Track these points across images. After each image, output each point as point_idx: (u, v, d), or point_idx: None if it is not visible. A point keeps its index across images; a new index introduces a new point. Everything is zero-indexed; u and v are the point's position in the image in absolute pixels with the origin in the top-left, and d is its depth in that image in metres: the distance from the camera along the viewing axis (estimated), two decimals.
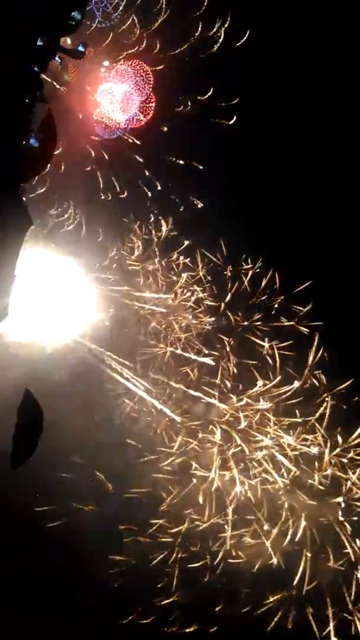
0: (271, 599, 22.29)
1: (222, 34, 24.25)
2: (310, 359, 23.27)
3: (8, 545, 20.05)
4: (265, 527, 22.58)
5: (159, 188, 24.91)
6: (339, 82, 23.93)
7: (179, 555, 22.72)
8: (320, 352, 23.10)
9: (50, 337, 22.43)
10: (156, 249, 24.40)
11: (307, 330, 23.40)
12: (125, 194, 24.89)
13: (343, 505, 22.69)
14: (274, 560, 22.30)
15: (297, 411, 23.23)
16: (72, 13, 17.20)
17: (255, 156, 24.51)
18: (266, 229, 24.22)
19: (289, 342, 23.44)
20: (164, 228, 24.52)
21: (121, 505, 22.65)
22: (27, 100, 15.66)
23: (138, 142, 25.14)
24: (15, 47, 15.45)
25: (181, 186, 24.62)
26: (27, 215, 14.71)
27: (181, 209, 24.62)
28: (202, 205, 24.62)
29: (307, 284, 23.56)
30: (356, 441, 22.79)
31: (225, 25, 24.25)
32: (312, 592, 22.12)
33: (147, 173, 25.07)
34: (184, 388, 23.41)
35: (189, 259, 24.30)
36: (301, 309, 23.56)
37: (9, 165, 14.40)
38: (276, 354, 23.42)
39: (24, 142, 15.22)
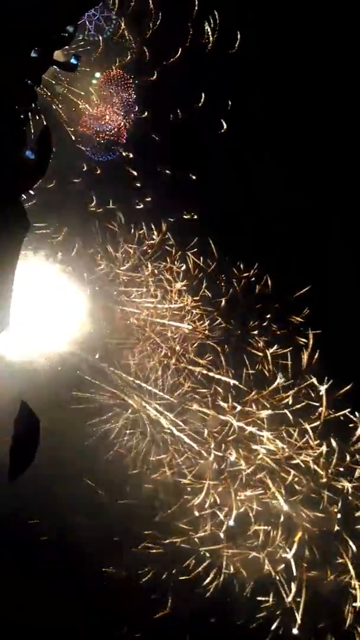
0: (267, 613, 22.27)
1: (213, 38, 24.42)
2: (304, 365, 23.34)
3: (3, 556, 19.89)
4: (262, 537, 22.53)
5: (149, 199, 24.97)
6: (336, 82, 24.04)
7: (173, 567, 22.57)
8: (316, 357, 23.20)
9: (46, 348, 22.37)
10: (148, 258, 24.44)
11: (304, 340, 23.46)
12: (117, 205, 24.92)
13: (339, 515, 22.64)
14: (271, 572, 22.24)
15: (291, 419, 23.34)
16: (66, 26, 17.33)
17: (252, 160, 24.57)
18: (262, 234, 24.23)
19: (288, 349, 23.51)
20: (155, 235, 24.56)
21: (116, 517, 22.50)
22: (22, 115, 15.70)
23: (130, 155, 25.22)
24: (9, 59, 15.52)
25: (174, 195, 24.67)
26: (25, 219, 14.66)
27: (173, 219, 24.67)
28: (195, 216, 24.68)
29: (306, 289, 23.67)
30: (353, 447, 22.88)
31: (216, 30, 24.42)
32: (311, 604, 22.05)
33: (138, 185, 25.15)
34: (179, 398, 23.37)
35: (183, 267, 24.34)
36: (298, 319, 23.63)
37: (7, 173, 14.36)
38: (269, 359, 23.43)
39: (19, 155, 15.22)
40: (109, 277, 24.12)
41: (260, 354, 23.77)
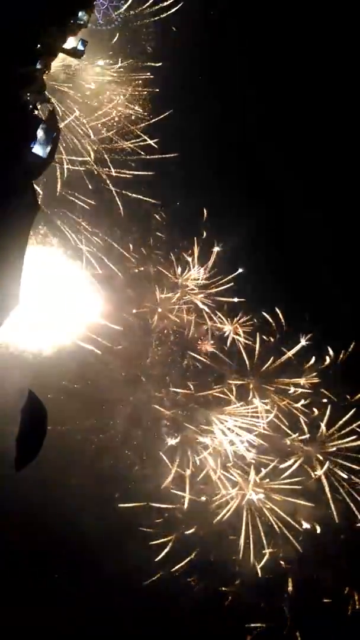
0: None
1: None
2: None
3: (9, 549, 19.76)
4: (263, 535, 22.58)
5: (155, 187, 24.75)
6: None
7: (173, 563, 22.57)
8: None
9: (54, 339, 22.18)
10: (159, 252, 24.37)
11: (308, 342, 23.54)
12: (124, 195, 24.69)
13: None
14: (269, 570, 22.36)
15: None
16: (79, 14, 17.15)
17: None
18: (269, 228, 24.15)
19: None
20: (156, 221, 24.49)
21: (122, 511, 22.41)
22: (30, 105, 15.58)
23: (129, 145, 24.96)
24: (19, 47, 15.36)
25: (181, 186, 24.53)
26: (35, 201, 14.59)
27: (179, 203, 24.49)
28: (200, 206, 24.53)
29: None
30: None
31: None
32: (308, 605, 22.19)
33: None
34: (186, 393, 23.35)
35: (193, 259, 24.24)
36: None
37: (18, 163, 14.25)
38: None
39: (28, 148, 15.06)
40: (120, 270, 23.92)
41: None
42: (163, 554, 22.33)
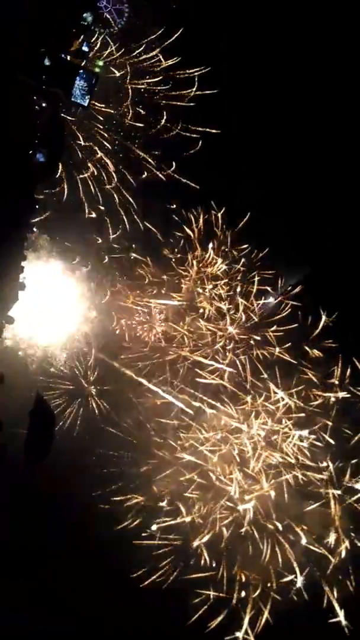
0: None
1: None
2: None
3: (18, 552, 19.76)
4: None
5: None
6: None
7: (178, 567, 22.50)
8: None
9: (61, 342, 22.22)
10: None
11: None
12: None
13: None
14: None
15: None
16: (84, 14, 17.17)
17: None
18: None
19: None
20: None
21: (130, 511, 22.44)
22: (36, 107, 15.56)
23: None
24: (25, 51, 15.34)
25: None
26: (30, 228, 14.63)
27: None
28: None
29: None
30: None
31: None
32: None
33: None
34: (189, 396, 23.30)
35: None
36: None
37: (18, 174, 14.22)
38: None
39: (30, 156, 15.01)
40: (121, 272, 23.90)
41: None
42: (164, 556, 22.38)
